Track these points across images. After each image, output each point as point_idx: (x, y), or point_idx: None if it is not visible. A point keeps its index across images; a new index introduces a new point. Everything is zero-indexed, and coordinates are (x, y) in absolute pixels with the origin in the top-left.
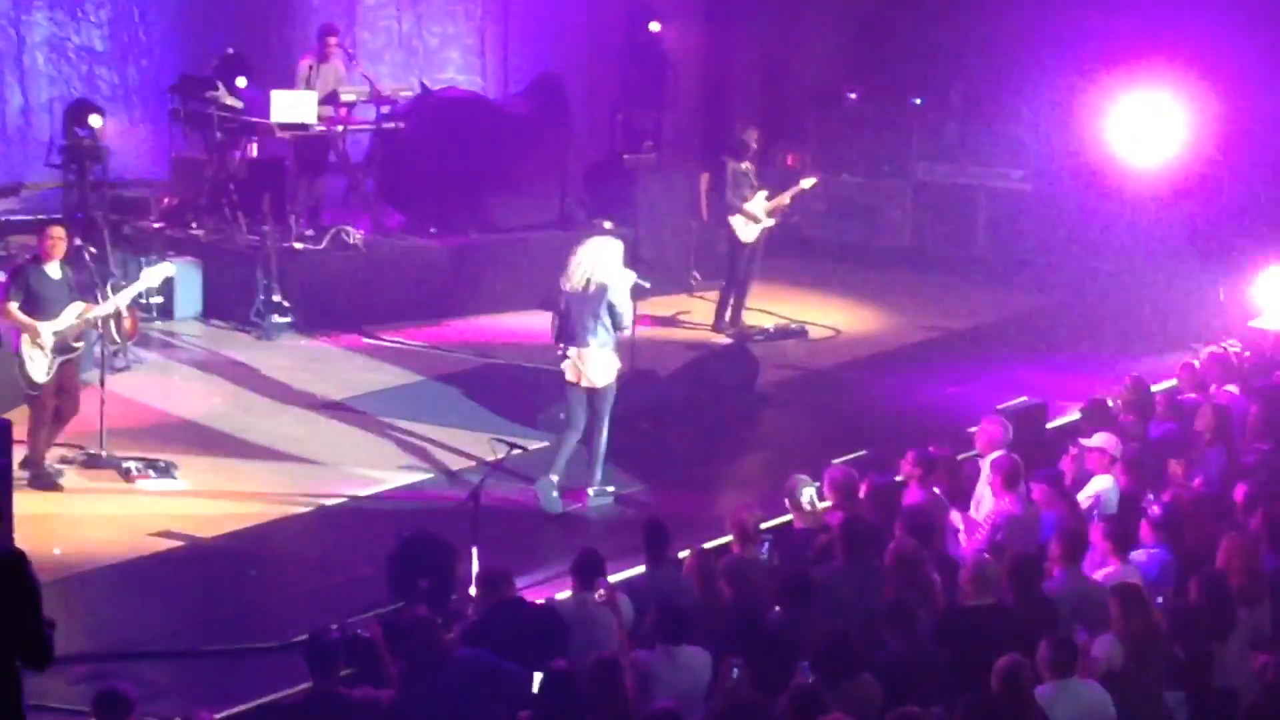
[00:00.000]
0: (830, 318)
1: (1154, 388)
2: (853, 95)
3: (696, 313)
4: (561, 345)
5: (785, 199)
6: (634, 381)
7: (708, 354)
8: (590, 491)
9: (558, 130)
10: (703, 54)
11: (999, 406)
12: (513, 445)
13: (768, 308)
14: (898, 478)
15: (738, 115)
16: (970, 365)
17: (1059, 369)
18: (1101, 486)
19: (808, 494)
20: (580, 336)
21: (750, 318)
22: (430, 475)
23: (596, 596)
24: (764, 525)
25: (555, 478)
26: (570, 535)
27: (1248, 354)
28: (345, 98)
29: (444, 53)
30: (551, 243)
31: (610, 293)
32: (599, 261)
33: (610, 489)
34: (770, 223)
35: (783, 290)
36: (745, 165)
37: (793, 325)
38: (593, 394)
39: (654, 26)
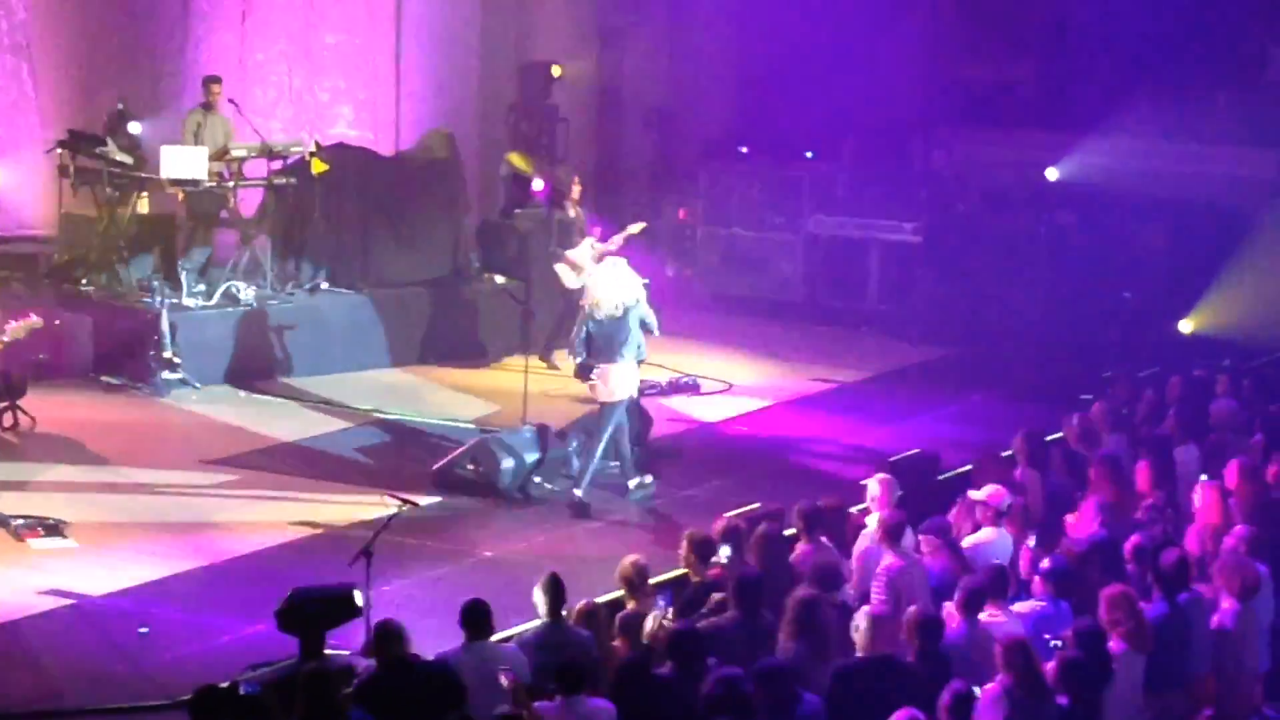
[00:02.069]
0: (723, 371)
1: (1047, 438)
2: (744, 149)
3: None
4: (591, 363)
5: (612, 245)
6: (526, 436)
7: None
8: (631, 484)
9: (449, 184)
10: (594, 108)
11: (891, 458)
12: (404, 500)
13: (661, 361)
14: (788, 530)
15: (629, 169)
16: (862, 417)
17: (951, 420)
18: (985, 538)
19: (724, 551)
20: (608, 354)
21: (643, 371)
22: (321, 531)
23: (502, 680)
24: (657, 579)
25: (631, 483)
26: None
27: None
28: (236, 153)
29: (335, 107)
30: (443, 297)
31: (638, 310)
32: (620, 285)
33: (645, 479)
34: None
35: (675, 343)
36: (572, 213)
37: (685, 379)
38: (605, 406)
39: (556, 71)
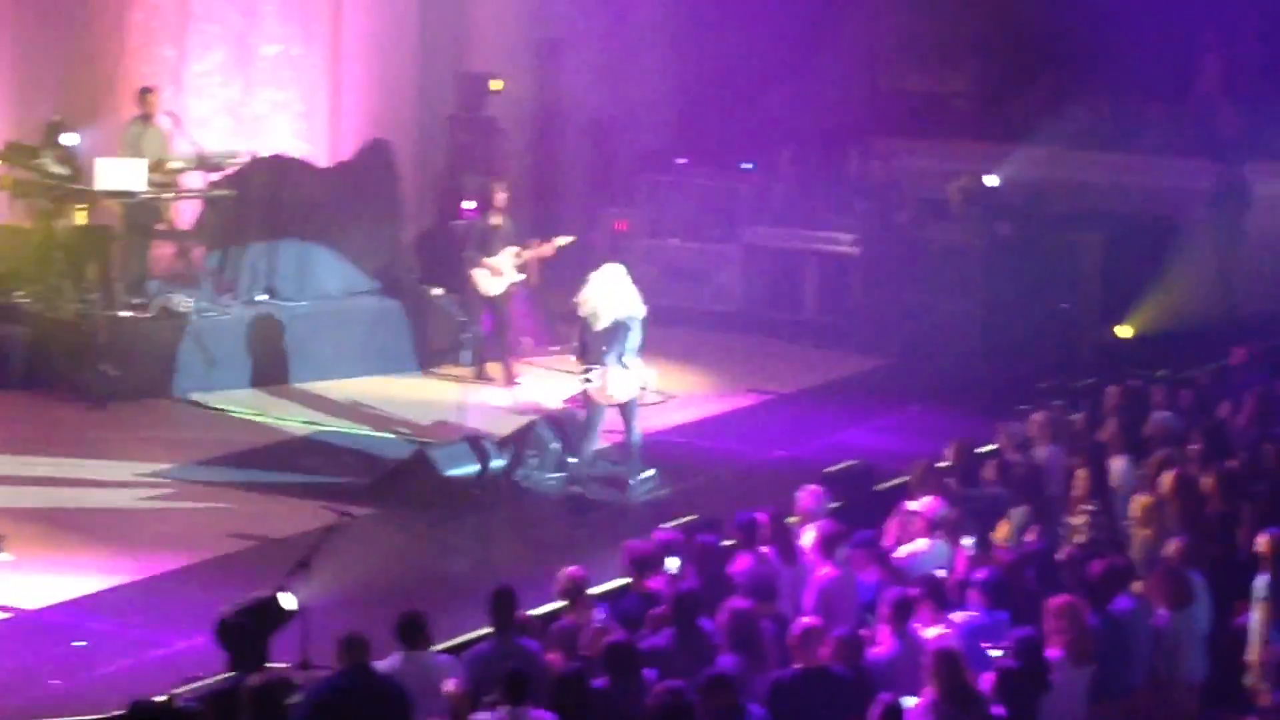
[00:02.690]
0: (660, 382)
1: (982, 449)
2: (682, 160)
3: (527, 378)
4: (588, 365)
5: (533, 254)
6: (464, 446)
7: (538, 419)
8: (634, 480)
9: (387, 196)
10: (532, 120)
11: (827, 469)
12: (343, 513)
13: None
14: (726, 542)
15: (567, 180)
16: (800, 428)
17: (889, 431)
18: (919, 549)
19: (673, 564)
20: (603, 358)
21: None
22: (259, 543)
23: (449, 686)
24: (595, 590)
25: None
26: None
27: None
28: (173, 165)
29: (273, 119)
30: (381, 308)
31: (633, 318)
32: (613, 294)
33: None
34: (518, 278)
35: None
36: (496, 220)
37: None
38: (595, 406)
39: (495, 85)
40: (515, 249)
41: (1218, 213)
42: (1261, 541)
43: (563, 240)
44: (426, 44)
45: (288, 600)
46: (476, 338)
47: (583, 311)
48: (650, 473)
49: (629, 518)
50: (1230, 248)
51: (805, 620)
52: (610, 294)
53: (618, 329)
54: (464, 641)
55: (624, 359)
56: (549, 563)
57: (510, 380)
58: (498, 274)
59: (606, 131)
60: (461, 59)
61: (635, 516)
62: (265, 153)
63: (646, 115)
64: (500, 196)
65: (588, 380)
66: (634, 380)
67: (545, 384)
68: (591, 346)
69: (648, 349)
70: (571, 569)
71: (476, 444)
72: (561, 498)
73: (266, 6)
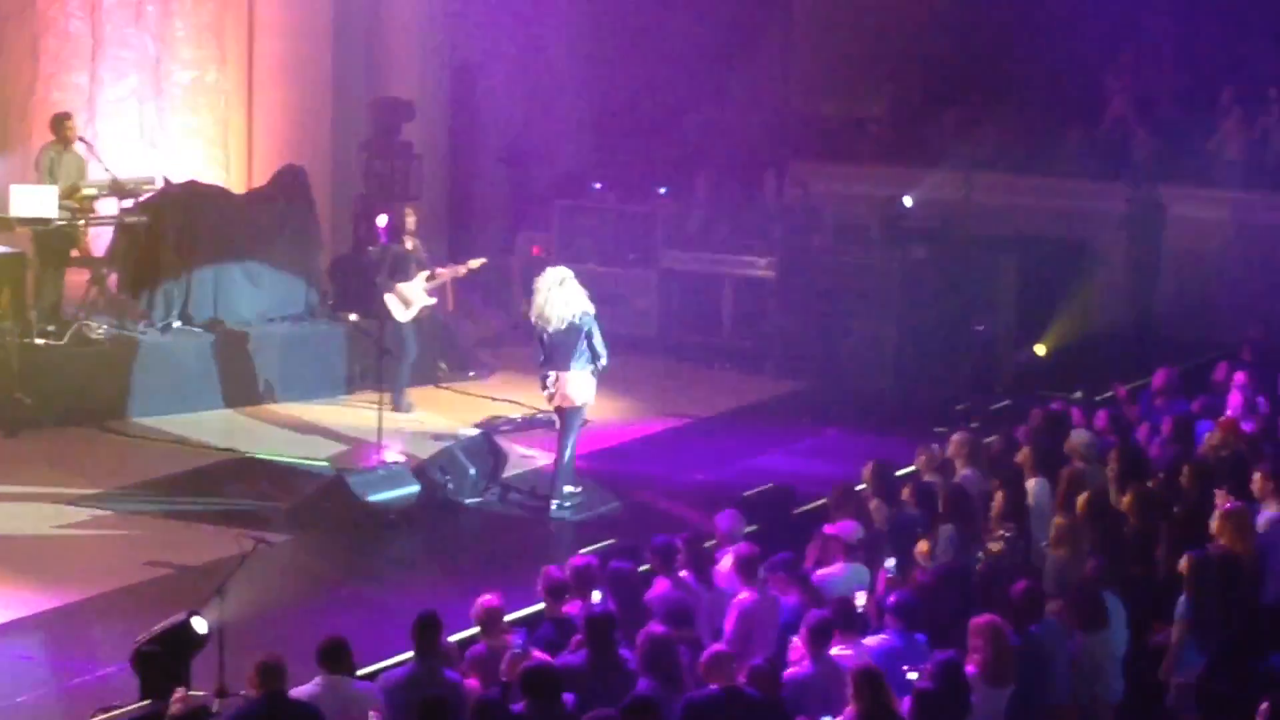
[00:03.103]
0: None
1: (900, 471)
2: (598, 185)
3: (443, 404)
4: (544, 373)
5: (446, 276)
6: (380, 472)
7: (455, 445)
8: (553, 504)
9: (302, 222)
10: (448, 145)
11: (745, 493)
12: (260, 540)
13: (515, 397)
14: (643, 567)
15: (483, 205)
16: (719, 452)
17: (808, 454)
18: (836, 572)
19: (598, 595)
20: (562, 362)
21: (498, 407)
22: (174, 571)
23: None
24: (512, 616)
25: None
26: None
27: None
28: (87, 191)
29: (187, 145)
30: (296, 334)
31: (588, 321)
32: (568, 299)
33: (568, 504)
34: (430, 302)
35: (530, 380)
36: (410, 245)
37: (540, 415)
38: (564, 412)
39: (408, 112)
40: (427, 273)
41: (1131, 234)
42: (1183, 563)
43: (475, 263)
44: (340, 70)
45: (200, 625)
46: (392, 363)
47: (533, 316)
48: (567, 504)
49: (547, 542)
50: (1145, 269)
51: (716, 645)
52: (557, 297)
53: (571, 331)
54: (383, 667)
55: (582, 362)
56: (467, 588)
57: (399, 404)
58: (409, 299)
59: (522, 157)
60: (376, 85)
61: (553, 541)
62: (179, 179)
63: (562, 140)
64: (411, 220)
65: (546, 387)
66: (591, 385)
67: (460, 409)
68: (548, 352)
69: None
70: (487, 596)
71: (393, 469)
72: (479, 522)
73: (180, 33)
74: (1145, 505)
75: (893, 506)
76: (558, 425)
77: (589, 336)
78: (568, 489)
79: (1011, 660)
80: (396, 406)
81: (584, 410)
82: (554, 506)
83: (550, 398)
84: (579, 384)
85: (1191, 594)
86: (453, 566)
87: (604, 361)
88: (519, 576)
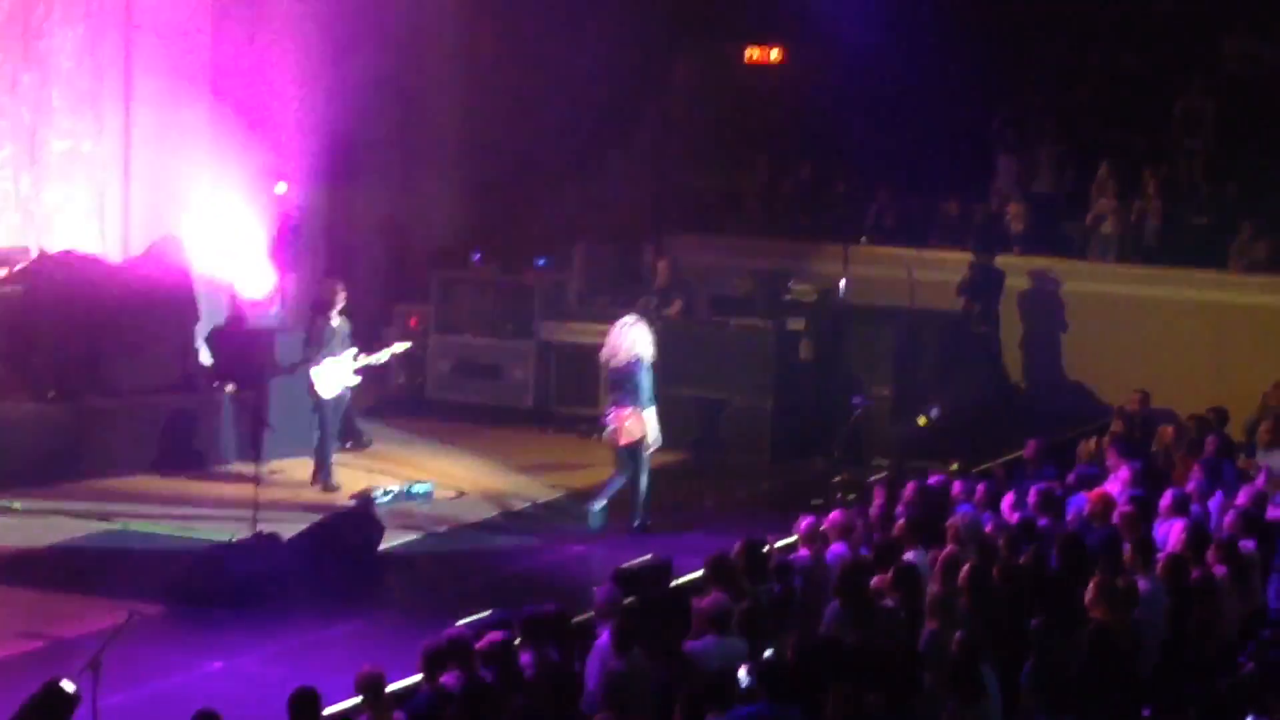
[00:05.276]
0: (455, 478)
1: (775, 544)
2: (476, 256)
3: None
4: (605, 409)
5: (371, 360)
6: (256, 545)
7: (332, 516)
8: (635, 525)
9: (178, 292)
10: (326, 215)
11: (622, 565)
12: (135, 611)
13: (392, 468)
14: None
15: (362, 276)
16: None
17: (683, 527)
18: (707, 645)
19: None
20: (620, 400)
21: (375, 478)
22: (47, 643)
23: None
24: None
25: (599, 505)
26: None
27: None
28: None
29: (63, 214)
30: (172, 405)
31: (643, 363)
32: (637, 339)
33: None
34: (354, 380)
35: (408, 451)
36: (336, 321)
37: (418, 486)
38: (633, 447)
39: (280, 188)
40: (355, 350)
41: (968, 299)
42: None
43: (400, 346)
44: (217, 140)
45: (68, 685)
46: (321, 437)
47: (602, 356)
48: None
49: (420, 612)
50: (987, 336)
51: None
52: (625, 336)
53: (628, 370)
54: None
55: (641, 401)
56: (351, 659)
57: (326, 483)
58: (336, 377)
59: (399, 228)
60: (253, 155)
61: (427, 611)
62: (55, 249)
63: (439, 211)
64: (340, 297)
65: (607, 424)
66: (652, 422)
67: (358, 480)
68: (616, 389)
69: (442, 443)
70: (368, 667)
71: (270, 541)
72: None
73: (56, 102)
74: (1017, 577)
75: (764, 580)
76: (617, 460)
77: (642, 379)
78: (637, 523)
79: None
80: (326, 485)
81: (645, 443)
82: (635, 525)
83: (612, 434)
84: (638, 422)
85: (1035, 660)
86: (323, 639)
87: (647, 399)
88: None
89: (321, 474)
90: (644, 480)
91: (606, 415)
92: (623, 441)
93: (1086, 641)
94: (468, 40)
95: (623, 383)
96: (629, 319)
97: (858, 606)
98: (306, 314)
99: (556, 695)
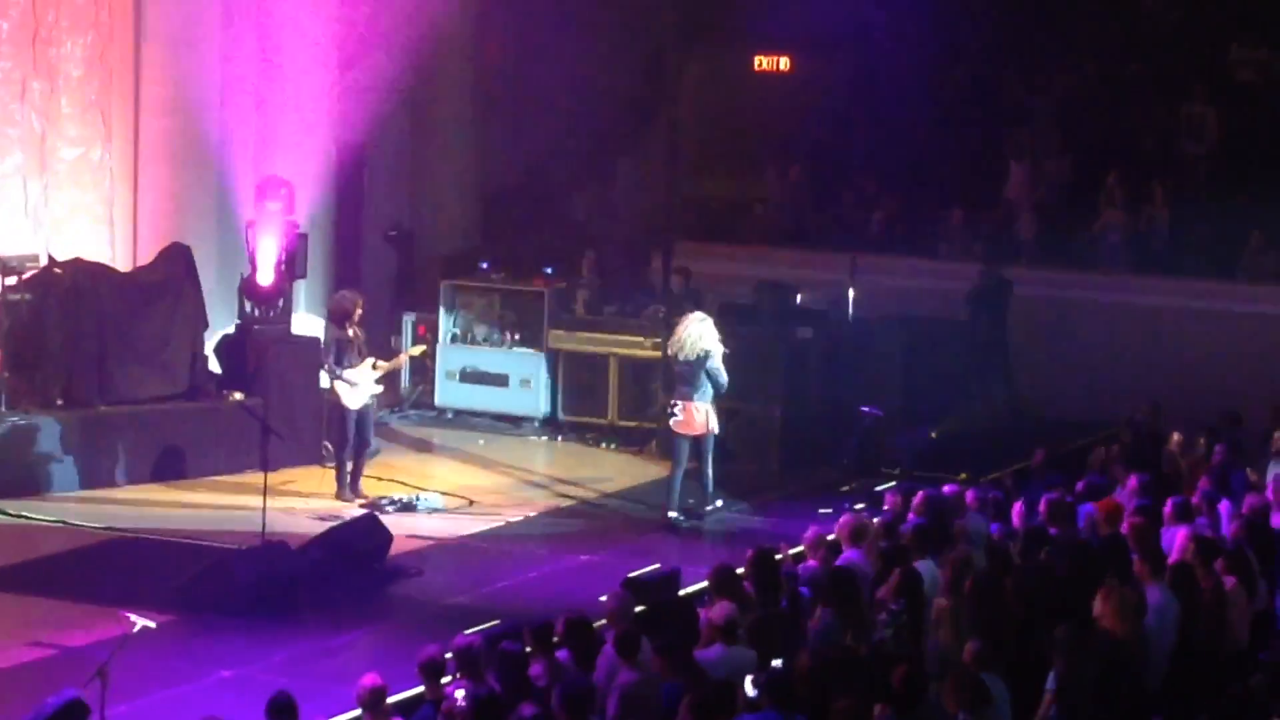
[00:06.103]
0: (464, 487)
1: (787, 552)
2: (485, 264)
3: (329, 483)
4: (673, 401)
5: (390, 366)
6: (265, 553)
7: (340, 525)
8: (706, 509)
9: (187, 300)
10: (333, 223)
11: (631, 574)
12: (142, 620)
13: (400, 477)
14: (528, 648)
15: (370, 285)
16: (605, 533)
17: (692, 536)
18: (715, 654)
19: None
20: (686, 393)
21: (383, 487)
22: (56, 652)
23: None
24: (395, 698)
25: (674, 514)
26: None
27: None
28: None
29: (72, 222)
30: (181, 413)
31: (712, 359)
32: (703, 334)
33: (718, 504)
34: (377, 389)
35: (417, 460)
36: (352, 332)
37: (427, 495)
38: (699, 439)
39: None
40: (373, 360)
41: (974, 310)
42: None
43: (416, 350)
44: (226, 148)
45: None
46: (346, 449)
47: (669, 349)
48: (718, 503)
49: (428, 621)
50: (995, 345)
51: None
52: (693, 332)
53: (695, 364)
54: None
55: (704, 393)
56: (359, 668)
57: (358, 492)
58: (360, 386)
59: (409, 236)
60: (262, 163)
61: (436, 620)
62: (64, 257)
63: (450, 219)
64: (359, 308)
65: (672, 414)
66: (713, 414)
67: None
68: (675, 382)
69: (451, 453)
70: (369, 677)
71: (278, 550)
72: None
73: (66, 110)
74: (1026, 587)
75: (774, 590)
76: (676, 450)
77: (710, 372)
78: (709, 507)
79: None
80: (358, 494)
81: (711, 436)
82: (708, 510)
83: (677, 424)
84: (701, 413)
85: (1061, 667)
86: (330, 648)
87: (722, 392)
88: (396, 655)
89: (353, 484)
90: (709, 469)
91: (674, 406)
92: (691, 432)
93: (1087, 645)
94: (477, 50)
95: (690, 376)
96: (696, 315)
97: (847, 614)
98: (324, 325)
99: (569, 704)
